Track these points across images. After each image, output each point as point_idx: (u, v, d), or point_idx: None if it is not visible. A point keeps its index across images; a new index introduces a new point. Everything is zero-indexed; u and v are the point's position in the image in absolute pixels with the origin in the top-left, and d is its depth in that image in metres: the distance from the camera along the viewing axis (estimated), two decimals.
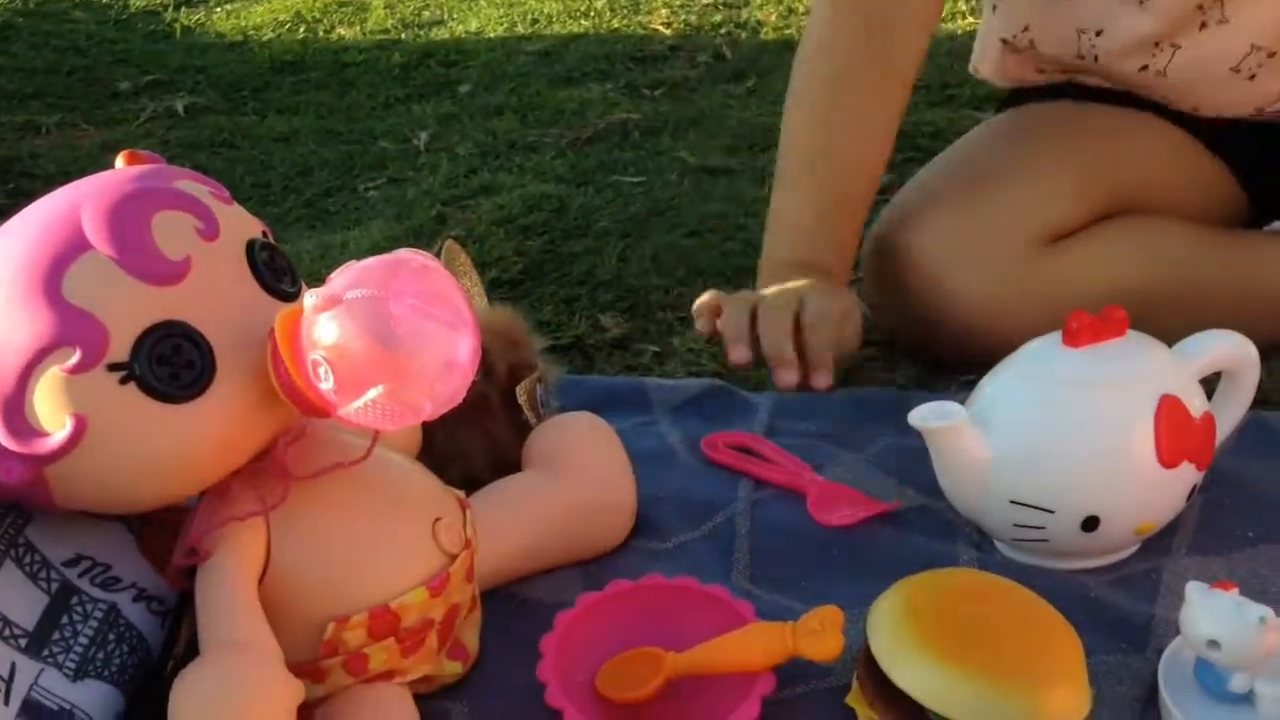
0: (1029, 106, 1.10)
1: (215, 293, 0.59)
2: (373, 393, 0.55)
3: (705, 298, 0.96)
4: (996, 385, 0.76)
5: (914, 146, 1.46)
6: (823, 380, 0.90)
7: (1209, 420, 0.74)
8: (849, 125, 0.99)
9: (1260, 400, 0.81)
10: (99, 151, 1.68)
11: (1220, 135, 1.05)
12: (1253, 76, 0.99)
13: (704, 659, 0.65)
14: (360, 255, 1.35)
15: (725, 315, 0.93)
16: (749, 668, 0.64)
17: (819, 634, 0.64)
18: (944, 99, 1.62)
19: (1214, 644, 0.61)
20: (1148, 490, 0.72)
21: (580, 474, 0.77)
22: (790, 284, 0.94)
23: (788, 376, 0.89)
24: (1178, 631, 0.65)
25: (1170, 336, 0.77)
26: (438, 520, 0.66)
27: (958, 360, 1.00)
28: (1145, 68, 1.01)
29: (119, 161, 0.64)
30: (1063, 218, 1.00)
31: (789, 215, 1.01)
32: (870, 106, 1.00)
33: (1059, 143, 1.04)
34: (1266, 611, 0.61)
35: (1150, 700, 0.65)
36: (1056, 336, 0.74)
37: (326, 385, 0.56)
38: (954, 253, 0.98)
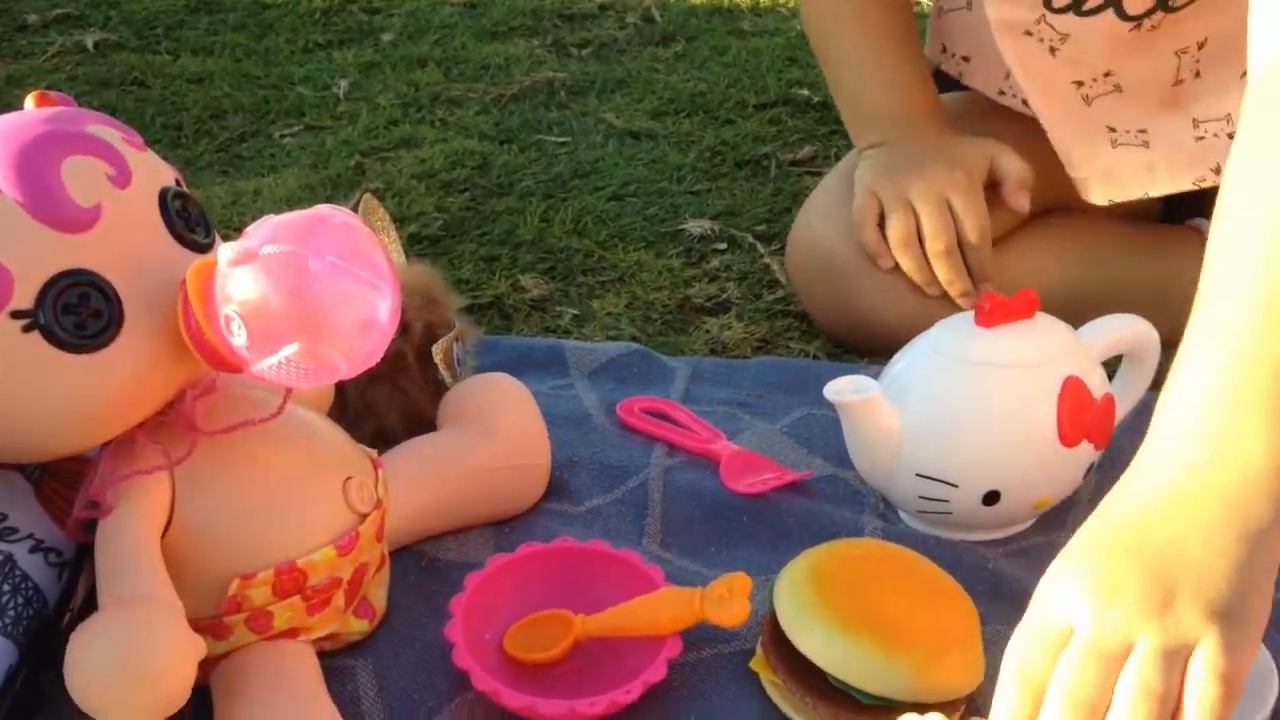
0: (950, 103, 1.10)
1: (125, 242, 0.58)
2: (287, 350, 0.54)
3: (869, 226, 0.98)
4: (908, 362, 0.77)
5: (836, 120, 1.46)
6: (988, 289, 0.93)
7: (1109, 401, 0.77)
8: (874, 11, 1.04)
9: (1157, 382, 0.84)
10: (3, 86, 1.62)
11: None
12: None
13: (613, 622, 0.66)
14: (275, 204, 1.33)
15: (909, 260, 0.96)
16: (657, 631, 0.65)
17: (727, 600, 0.65)
18: None
19: None
20: (1048, 467, 0.74)
21: (495, 435, 0.77)
22: (920, 174, 0.97)
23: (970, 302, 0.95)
24: None
25: None
26: (349, 479, 0.65)
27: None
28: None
29: (28, 102, 0.62)
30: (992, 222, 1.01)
31: (852, 87, 1.06)
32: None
33: (987, 142, 1.05)
34: None
35: None
36: (969, 316, 0.76)
37: (239, 341, 0.55)
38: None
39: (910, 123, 1.03)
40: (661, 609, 0.66)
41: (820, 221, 1.04)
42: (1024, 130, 1.01)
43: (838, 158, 1.26)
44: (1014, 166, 0.98)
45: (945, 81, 1.12)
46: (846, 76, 1.07)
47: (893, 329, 0.95)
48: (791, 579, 0.65)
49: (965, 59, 1.08)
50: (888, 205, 0.98)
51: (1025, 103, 1.01)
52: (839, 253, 1.01)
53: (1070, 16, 0.94)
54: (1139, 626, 0.49)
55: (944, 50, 1.09)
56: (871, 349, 1.01)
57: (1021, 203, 0.99)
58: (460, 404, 0.79)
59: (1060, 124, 0.99)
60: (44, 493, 0.65)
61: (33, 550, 0.64)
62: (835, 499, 0.81)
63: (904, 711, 0.61)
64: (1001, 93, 1.06)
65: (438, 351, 0.82)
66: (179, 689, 0.53)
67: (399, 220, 1.20)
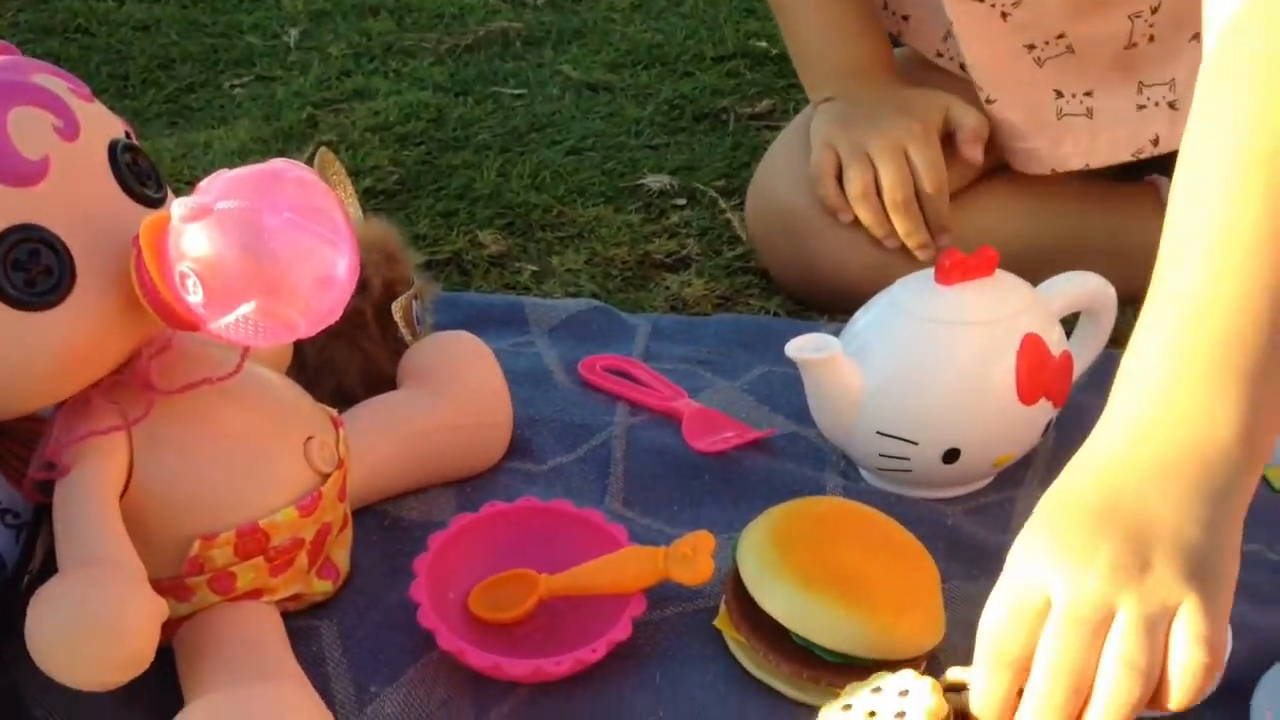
0: (908, 55, 1.10)
1: (75, 196, 0.56)
2: (244, 308, 0.54)
3: (827, 180, 0.98)
4: (869, 319, 0.78)
5: (794, 72, 1.47)
6: (946, 241, 0.96)
7: (1067, 359, 0.77)
8: None
9: (1114, 340, 0.85)
10: None
11: None
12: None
13: (577, 581, 0.66)
14: (225, 156, 1.31)
15: (867, 213, 0.97)
16: (621, 590, 0.65)
17: (690, 559, 0.65)
18: None
19: None
20: (1007, 425, 0.75)
21: (456, 393, 0.77)
22: (877, 126, 0.97)
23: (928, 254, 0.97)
24: None
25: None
26: (310, 439, 0.65)
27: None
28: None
29: None
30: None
31: (805, 39, 1.07)
32: None
33: (940, 94, 1.05)
34: None
35: None
36: (929, 273, 0.76)
37: (195, 298, 0.54)
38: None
39: (864, 75, 1.03)
40: (625, 568, 0.66)
41: (778, 177, 1.04)
42: (964, 94, 1.01)
43: (796, 111, 1.26)
44: (969, 118, 0.99)
45: None
46: (800, 28, 1.07)
47: (852, 284, 0.95)
48: (754, 537, 0.66)
49: (904, 18, 1.08)
50: (845, 158, 0.98)
51: (963, 67, 1.01)
52: (798, 207, 1.01)
53: None
54: (1118, 593, 0.49)
55: (885, 7, 1.09)
56: (831, 305, 1.01)
57: (975, 154, 0.99)
58: (420, 362, 0.79)
59: (1007, 92, 0.99)
60: None
61: None
62: (797, 457, 0.81)
63: (865, 668, 0.62)
64: (939, 54, 1.06)
65: (397, 309, 0.81)
66: (142, 651, 0.53)
67: (353, 174, 1.18)
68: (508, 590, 0.67)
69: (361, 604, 0.68)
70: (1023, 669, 0.52)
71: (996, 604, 0.53)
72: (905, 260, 0.97)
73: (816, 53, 1.06)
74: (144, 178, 0.60)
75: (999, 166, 1.04)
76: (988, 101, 1.00)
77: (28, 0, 1.68)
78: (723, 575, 0.67)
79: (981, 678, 0.53)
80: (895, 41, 1.10)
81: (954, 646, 0.66)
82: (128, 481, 0.59)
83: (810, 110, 1.05)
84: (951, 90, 1.02)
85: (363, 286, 0.79)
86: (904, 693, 0.56)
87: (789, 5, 1.08)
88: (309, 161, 0.79)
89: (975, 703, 0.54)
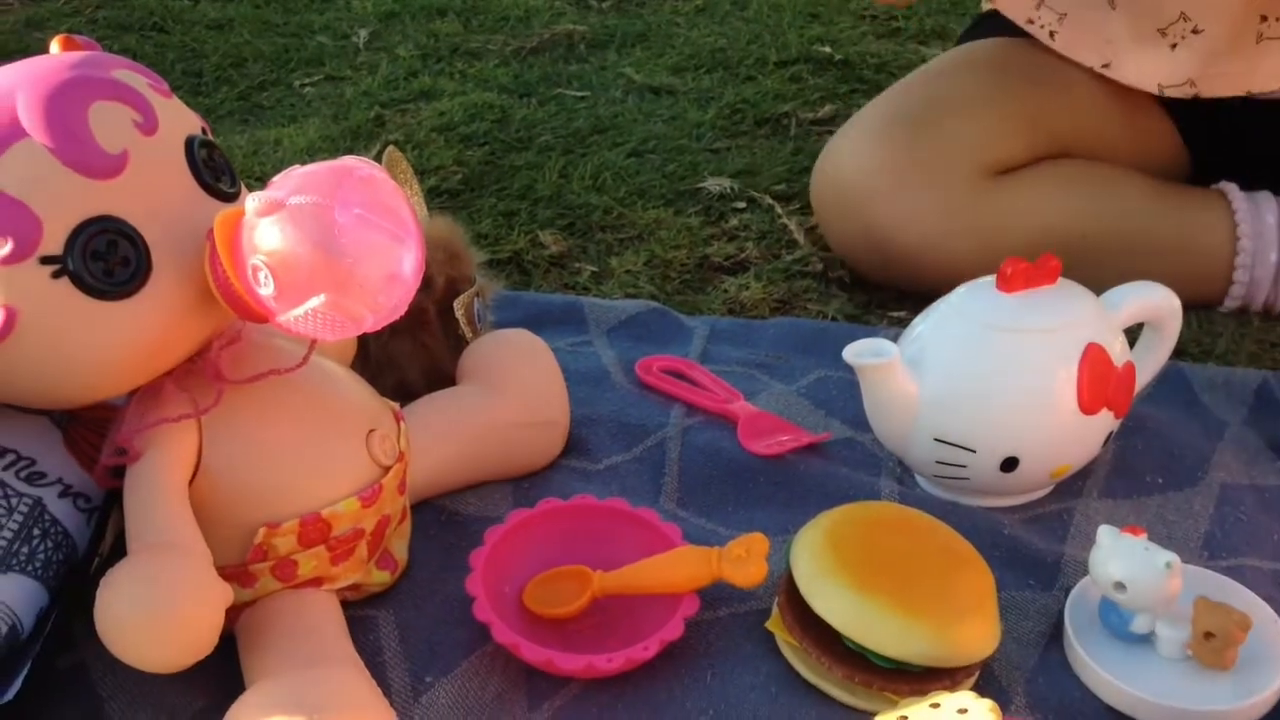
0: (979, 43, 1.11)
1: (153, 189, 0.58)
2: (313, 301, 0.55)
3: None
4: (929, 326, 0.77)
5: (858, 78, 1.47)
6: None
7: (1130, 369, 0.76)
8: None
9: (1178, 351, 0.84)
10: (23, 28, 1.61)
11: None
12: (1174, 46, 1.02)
13: (631, 579, 0.67)
14: (295, 154, 1.33)
15: None
16: (674, 590, 0.66)
17: (744, 560, 0.65)
18: (889, 31, 1.62)
19: (1121, 586, 0.64)
20: (1067, 435, 0.74)
21: (515, 391, 0.78)
22: None
23: None
24: (1085, 571, 0.68)
25: (1103, 283, 0.79)
26: (372, 431, 0.66)
27: (900, 290, 1.03)
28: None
29: (54, 46, 0.61)
30: (1006, 153, 1.02)
31: None
32: None
33: (1005, 81, 1.06)
34: (1172, 557, 0.63)
35: (1055, 636, 0.68)
36: (990, 280, 0.76)
37: (266, 291, 0.55)
38: (901, 182, 1.00)
39: None
40: (679, 568, 0.66)
41: (845, 151, 1.05)
42: (1053, 72, 1.03)
43: None
44: None
45: (1000, 24, 1.12)
46: None
47: (912, 254, 0.97)
48: (808, 541, 0.66)
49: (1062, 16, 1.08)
50: None
51: (1052, 35, 1.02)
52: (861, 177, 1.02)
53: None
54: None
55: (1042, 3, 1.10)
56: (890, 278, 1.02)
57: None
58: (481, 360, 0.80)
59: (1214, 17, 1.01)
60: (72, 439, 0.66)
61: (62, 495, 0.64)
62: (852, 462, 0.81)
63: (918, 674, 0.61)
64: (1030, 21, 1.07)
65: (459, 307, 0.82)
66: (206, 635, 0.54)
67: (419, 173, 1.20)
68: (562, 586, 0.67)
69: (418, 596, 0.69)
70: None
71: None
72: (967, 232, 0.98)
73: None
74: (219, 173, 0.61)
75: (1053, 154, 1.04)
76: (1194, 31, 1.01)
77: None
78: (776, 578, 0.67)
79: None
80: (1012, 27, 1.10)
81: (1007, 656, 0.66)
82: (196, 469, 0.61)
83: None
84: (1035, 59, 1.03)
85: (426, 284, 0.80)
86: (963, 710, 0.55)
87: None
88: (377, 160, 0.80)
89: None
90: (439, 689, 0.63)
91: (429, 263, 0.76)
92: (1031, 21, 1.06)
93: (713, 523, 0.75)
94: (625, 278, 1.09)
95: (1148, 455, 0.82)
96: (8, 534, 0.61)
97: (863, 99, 1.36)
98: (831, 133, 1.33)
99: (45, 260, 0.55)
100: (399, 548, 0.70)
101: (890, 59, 1.51)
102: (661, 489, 0.78)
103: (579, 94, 1.44)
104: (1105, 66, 1.04)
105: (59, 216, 0.55)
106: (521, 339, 0.81)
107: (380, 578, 0.68)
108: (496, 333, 0.82)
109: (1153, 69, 1.03)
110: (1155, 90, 1.04)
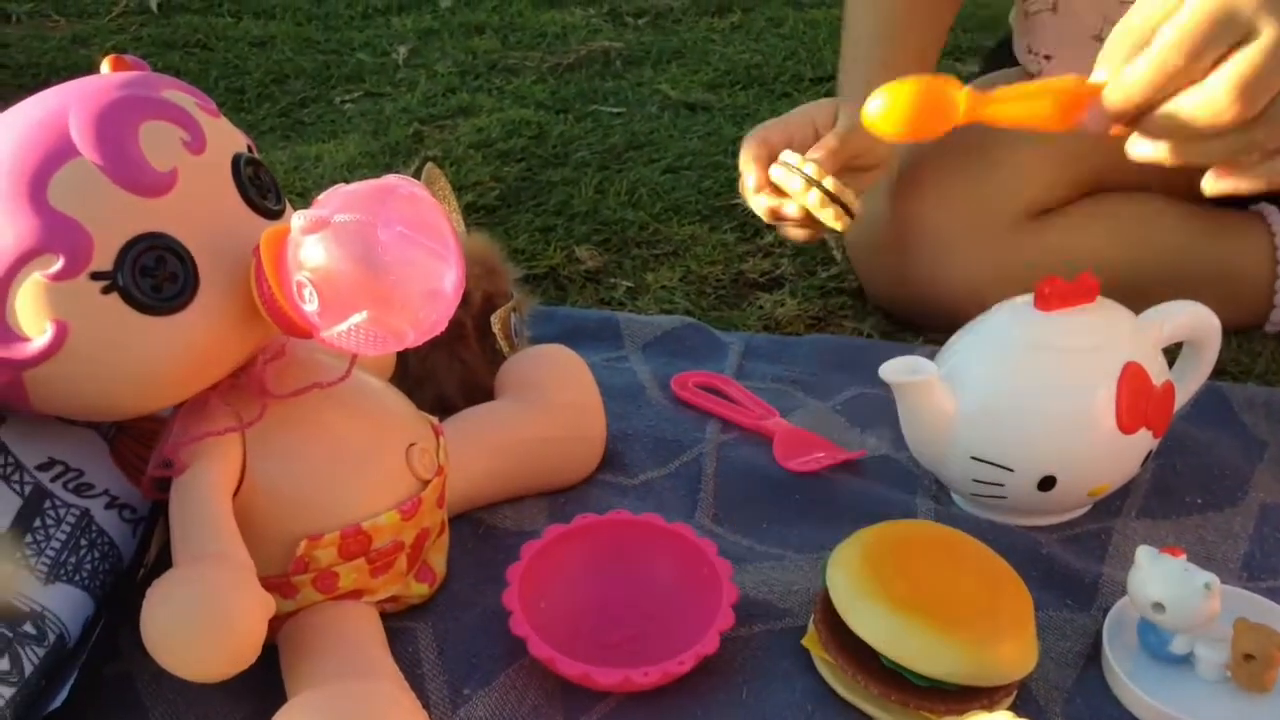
0: (1003, 75, 1.09)
1: (200, 207, 0.59)
2: (356, 318, 0.55)
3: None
4: (966, 344, 0.77)
5: None
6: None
7: (1169, 389, 0.76)
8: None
9: (1218, 370, 0.84)
10: (70, 45, 1.64)
11: None
12: None
13: (1001, 108, 0.65)
14: (335, 170, 1.35)
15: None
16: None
17: None
18: None
19: (1159, 607, 0.63)
20: (1105, 454, 0.74)
21: (552, 406, 0.78)
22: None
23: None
24: (1124, 592, 0.67)
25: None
26: (412, 445, 0.67)
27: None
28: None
29: (104, 66, 0.63)
30: (1047, 192, 1.01)
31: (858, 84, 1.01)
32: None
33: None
34: (1211, 578, 0.63)
35: (1093, 656, 0.68)
36: (1029, 299, 0.76)
37: (311, 307, 0.56)
38: (954, 224, 0.99)
39: None
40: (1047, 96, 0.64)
41: (876, 190, 1.04)
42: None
43: None
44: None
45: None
46: (851, 54, 1.06)
47: (945, 301, 0.95)
48: (845, 558, 0.66)
49: (1047, 57, 1.07)
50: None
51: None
52: (893, 221, 1.01)
53: None
54: (1258, 15, 0.53)
55: (1029, 50, 1.09)
56: (925, 322, 1.01)
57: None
58: (518, 374, 0.80)
59: None
60: (119, 451, 0.67)
61: (108, 506, 0.65)
62: (888, 479, 0.81)
63: (955, 693, 0.61)
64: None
65: (496, 321, 0.83)
66: (250, 645, 0.55)
67: (457, 189, 1.21)
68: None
69: (456, 608, 0.70)
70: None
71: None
72: (998, 278, 0.96)
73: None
74: (265, 190, 0.62)
75: (1102, 188, 1.02)
76: None
77: (149, 16, 1.75)
78: (812, 595, 0.67)
79: (1105, 48, 0.58)
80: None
81: (1045, 676, 0.66)
82: (240, 481, 0.62)
83: None
84: None
85: (464, 299, 0.81)
86: None
87: (850, 30, 1.07)
88: (416, 175, 0.81)
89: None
90: (477, 701, 0.64)
91: (467, 278, 0.77)
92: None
93: (749, 539, 0.76)
94: (661, 293, 1.10)
95: (1187, 475, 0.81)
96: (56, 544, 0.62)
97: None
98: None
99: (95, 276, 0.56)
100: (437, 561, 0.70)
101: None
102: (697, 505, 0.79)
103: (615, 110, 1.45)
104: None
105: (109, 233, 0.56)
106: (558, 354, 0.82)
107: (419, 590, 0.69)
108: (533, 348, 0.83)
109: None
110: None
